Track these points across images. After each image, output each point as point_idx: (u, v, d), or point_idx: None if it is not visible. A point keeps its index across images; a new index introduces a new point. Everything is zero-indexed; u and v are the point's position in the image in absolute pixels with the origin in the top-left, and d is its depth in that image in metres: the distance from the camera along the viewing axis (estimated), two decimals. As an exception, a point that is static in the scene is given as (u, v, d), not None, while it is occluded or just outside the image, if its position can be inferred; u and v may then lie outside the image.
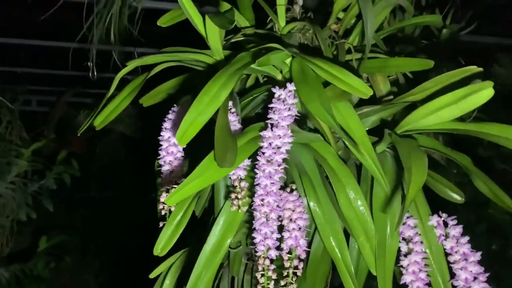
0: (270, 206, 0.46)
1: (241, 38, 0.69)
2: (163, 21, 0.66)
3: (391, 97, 0.66)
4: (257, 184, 0.46)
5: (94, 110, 0.60)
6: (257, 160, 0.47)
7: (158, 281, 0.70)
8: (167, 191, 0.52)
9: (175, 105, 0.58)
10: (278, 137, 0.47)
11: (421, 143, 0.52)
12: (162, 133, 0.54)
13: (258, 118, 0.62)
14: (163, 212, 0.52)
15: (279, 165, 0.47)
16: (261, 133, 0.48)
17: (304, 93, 0.50)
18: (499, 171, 1.42)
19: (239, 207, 0.47)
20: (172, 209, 0.51)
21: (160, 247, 0.51)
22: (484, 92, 0.42)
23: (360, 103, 0.64)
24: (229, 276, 0.74)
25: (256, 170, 0.47)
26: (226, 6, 0.66)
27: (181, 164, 0.53)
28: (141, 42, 1.11)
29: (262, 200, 0.46)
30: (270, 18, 0.74)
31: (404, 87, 0.67)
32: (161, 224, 0.51)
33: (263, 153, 0.47)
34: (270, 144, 0.47)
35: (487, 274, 0.47)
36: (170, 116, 0.55)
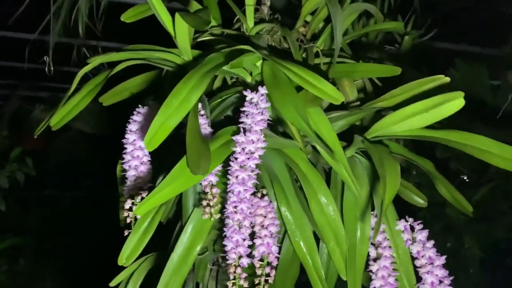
0: (244, 213, 0.44)
1: (208, 38, 0.67)
2: (127, 17, 0.62)
3: (358, 102, 0.67)
4: (230, 191, 0.45)
5: (53, 108, 0.56)
6: (229, 165, 0.46)
7: (119, 289, 0.67)
8: (132, 197, 0.49)
9: (139, 105, 0.56)
10: (252, 142, 0.46)
11: (390, 149, 0.53)
12: (126, 136, 0.51)
13: (228, 121, 0.61)
14: (128, 220, 0.49)
15: (252, 171, 0.45)
16: (234, 138, 0.47)
17: (277, 98, 0.49)
18: (454, 171, 1.50)
19: (211, 215, 0.46)
20: (138, 216, 0.49)
21: (125, 257, 0.48)
22: (455, 102, 0.43)
23: (327, 108, 0.64)
24: (194, 282, 0.72)
25: (229, 176, 0.45)
26: (195, 5, 0.63)
27: (148, 169, 0.50)
28: (103, 36, 1.06)
29: (235, 207, 0.44)
30: (237, 18, 0.73)
31: (370, 93, 0.68)
32: (126, 233, 0.48)
33: (236, 159, 0.46)
34: (243, 149, 0.46)
35: (451, 278, 0.49)
36: (136, 117, 0.53)
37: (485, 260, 1.59)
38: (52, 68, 0.98)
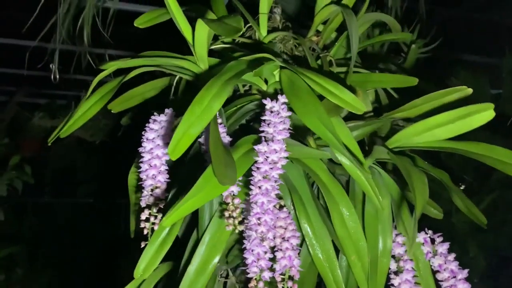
0: (268, 225, 0.43)
1: (220, 46, 0.66)
2: (140, 22, 0.61)
3: (372, 113, 0.66)
4: (253, 202, 0.43)
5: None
6: (251, 175, 0.45)
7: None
8: (149, 207, 0.48)
9: (155, 112, 0.54)
10: (275, 152, 0.45)
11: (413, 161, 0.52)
12: (143, 144, 0.50)
13: (243, 130, 0.60)
14: (145, 231, 0.47)
15: (275, 181, 0.44)
16: (256, 147, 0.46)
17: (299, 107, 0.48)
18: (457, 179, 1.50)
19: (235, 226, 0.44)
20: (155, 227, 0.47)
21: (142, 269, 0.46)
22: (485, 114, 0.43)
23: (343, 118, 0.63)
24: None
25: (252, 187, 0.44)
26: (211, 14, 0.63)
27: (165, 179, 0.49)
28: (110, 44, 1.05)
29: (259, 218, 0.43)
30: (248, 25, 0.72)
31: (384, 103, 0.67)
32: (143, 244, 0.47)
33: (259, 169, 0.45)
34: (266, 159, 0.45)
35: (475, 292, 0.48)
36: (152, 125, 0.51)
37: (489, 269, 1.59)
38: (57, 76, 0.96)
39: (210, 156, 0.41)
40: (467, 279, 0.49)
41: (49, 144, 0.52)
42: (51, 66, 0.97)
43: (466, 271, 0.49)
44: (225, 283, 0.72)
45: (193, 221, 0.60)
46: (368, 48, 1.00)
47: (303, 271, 0.57)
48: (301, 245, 0.56)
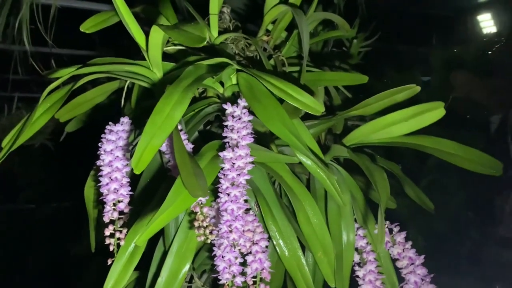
0: (239, 231, 0.43)
1: (171, 48, 0.65)
2: (87, 27, 0.58)
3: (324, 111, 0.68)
4: (223, 210, 0.43)
5: (15, 130, 0.50)
6: (218, 183, 0.45)
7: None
8: (113, 223, 0.46)
9: (110, 122, 0.52)
10: (240, 158, 0.45)
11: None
12: (101, 157, 0.47)
13: (203, 135, 0.59)
14: (111, 248, 0.45)
15: (243, 187, 0.44)
16: (221, 154, 0.46)
17: (260, 111, 0.49)
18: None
19: (206, 236, 0.44)
20: (121, 243, 0.45)
21: (110, 286, 0.44)
22: (436, 112, 0.46)
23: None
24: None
25: (220, 195, 0.44)
26: (163, 19, 0.61)
27: (127, 192, 0.47)
28: (54, 43, 0.98)
29: (230, 226, 0.43)
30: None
31: (335, 101, 0.70)
32: (109, 261, 0.45)
33: (226, 176, 0.45)
34: (232, 165, 0.45)
35: (431, 275, 0.51)
36: (109, 136, 0.49)
37: (428, 249, 1.70)
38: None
39: (175, 165, 0.40)
40: (423, 264, 0.52)
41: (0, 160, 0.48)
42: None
43: (422, 257, 0.52)
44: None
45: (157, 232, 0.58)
46: (312, 47, 1.03)
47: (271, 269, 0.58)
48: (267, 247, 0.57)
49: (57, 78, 0.51)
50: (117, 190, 0.46)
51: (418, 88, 0.51)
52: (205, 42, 0.46)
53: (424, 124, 0.47)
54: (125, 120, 0.52)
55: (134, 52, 0.64)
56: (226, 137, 0.47)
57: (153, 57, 0.53)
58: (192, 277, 0.69)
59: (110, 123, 0.52)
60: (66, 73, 0.51)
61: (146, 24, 0.59)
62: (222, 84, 0.60)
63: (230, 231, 0.43)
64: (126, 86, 0.63)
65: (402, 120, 0.48)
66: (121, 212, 0.46)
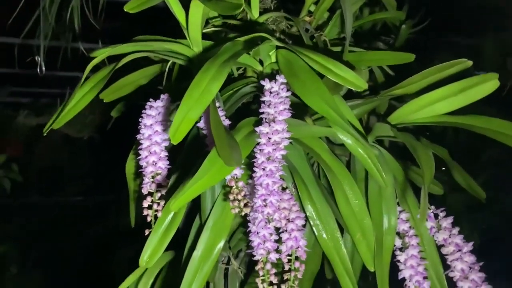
0: (273, 206, 0.43)
1: (211, 29, 0.65)
2: (131, 7, 0.59)
3: (368, 92, 0.66)
4: (258, 184, 0.43)
5: (61, 106, 0.53)
6: (254, 157, 0.44)
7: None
8: (151, 195, 0.47)
9: (151, 99, 0.53)
10: (277, 133, 0.44)
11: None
12: (141, 131, 0.48)
13: (241, 113, 0.59)
14: (148, 219, 0.46)
15: (279, 162, 0.44)
16: (257, 129, 0.45)
17: (299, 87, 0.48)
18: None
19: (240, 209, 0.44)
20: (159, 214, 0.46)
21: (147, 257, 0.45)
22: (490, 84, 0.43)
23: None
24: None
25: (255, 169, 0.43)
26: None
27: (166, 165, 0.48)
28: (98, 37, 1.02)
29: (265, 200, 0.42)
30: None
31: (380, 81, 0.67)
32: (147, 232, 0.46)
33: (262, 150, 0.44)
34: (268, 140, 0.44)
35: (481, 263, 0.48)
36: (149, 111, 0.50)
37: (483, 247, 1.61)
38: (43, 69, 0.93)
39: (211, 140, 0.40)
40: (472, 252, 0.49)
41: (45, 134, 0.50)
42: (36, 59, 0.94)
43: (471, 244, 0.49)
44: (226, 269, 0.71)
45: (194, 208, 0.59)
46: (356, 30, 1.00)
47: (308, 251, 0.57)
48: (304, 226, 0.56)
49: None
50: (156, 163, 0.47)
51: (470, 63, 0.48)
52: (241, 9, 0.45)
53: (475, 98, 0.44)
54: (165, 97, 0.53)
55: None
56: (263, 112, 0.47)
57: (193, 33, 0.53)
58: (229, 259, 0.69)
59: (150, 99, 0.53)
60: (106, 51, 0.52)
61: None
62: (261, 63, 0.59)
63: (265, 205, 0.43)
64: (168, 67, 0.64)
65: (450, 95, 0.45)
66: (159, 185, 0.47)
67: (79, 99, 0.56)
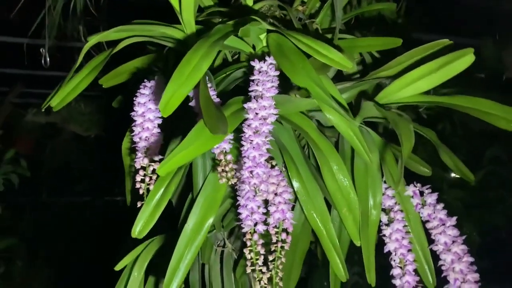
0: (260, 177, 0.44)
1: (206, 18, 0.67)
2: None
3: (358, 75, 0.67)
4: (245, 157, 0.45)
5: (57, 87, 0.55)
6: (243, 132, 0.46)
7: (123, 275, 0.66)
8: (144, 169, 0.49)
9: (145, 80, 0.55)
10: (264, 108, 0.46)
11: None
12: (135, 108, 0.51)
13: (232, 95, 0.60)
14: (140, 191, 0.48)
15: (266, 137, 0.45)
16: (246, 105, 0.47)
17: (287, 66, 0.49)
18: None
19: (228, 179, 0.45)
20: (151, 188, 0.48)
21: (138, 229, 0.47)
22: (466, 58, 0.44)
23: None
24: (199, 263, 0.72)
25: (243, 143, 0.45)
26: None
27: (158, 141, 0.50)
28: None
29: (251, 172, 0.44)
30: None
31: (370, 65, 0.68)
32: (139, 204, 0.48)
33: (249, 125, 0.46)
34: (256, 115, 0.46)
35: (464, 237, 0.49)
36: (143, 90, 0.52)
37: (484, 246, 1.61)
38: (48, 59, 0.96)
39: (200, 113, 0.42)
40: (455, 226, 0.50)
41: (43, 110, 0.52)
42: (41, 50, 0.97)
43: (454, 218, 0.50)
44: (222, 252, 0.73)
45: (187, 189, 0.61)
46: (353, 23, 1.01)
47: (298, 230, 0.59)
48: (294, 208, 0.58)
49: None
50: (148, 139, 0.49)
51: (451, 42, 0.50)
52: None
53: (454, 73, 0.45)
54: (160, 78, 0.55)
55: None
56: (252, 90, 0.49)
57: (186, 17, 0.55)
58: (225, 243, 0.71)
59: (145, 80, 0.55)
60: (104, 34, 0.54)
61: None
62: (254, 48, 0.61)
63: (252, 177, 0.44)
64: (164, 52, 0.66)
65: (430, 72, 0.46)
66: (151, 160, 0.49)
67: (78, 83, 0.58)
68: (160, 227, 0.64)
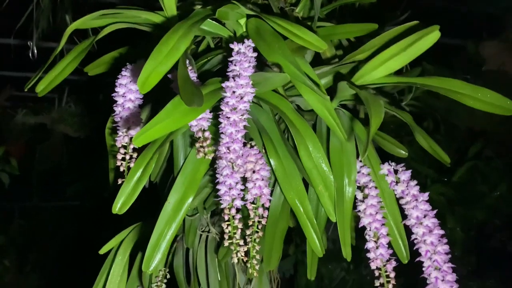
0: (237, 152, 0.46)
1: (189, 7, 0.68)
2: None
3: (336, 59, 0.69)
4: (222, 133, 0.46)
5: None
6: (221, 110, 0.47)
7: (108, 258, 0.67)
8: (125, 147, 0.50)
9: (127, 63, 0.56)
10: (241, 86, 0.48)
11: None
12: (116, 89, 0.52)
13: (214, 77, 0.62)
14: (121, 169, 0.49)
15: (242, 114, 0.47)
16: (223, 84, 0.48)
17: (264, 48, 0.51)
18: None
19: (205, 154, 0.47)
20: (131, 165, 0.49)
21: (119, 205, 0.48)
22: (431, 36, 0.46)
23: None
24: (184, 248, 0.73)
25: (221, 119, 0.47)
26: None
27: (139, 120, 0.51)
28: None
29: (228, 147, 0.46)
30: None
31: (347, 49, 0.70)
32: (119, 181, 0.49)
33: (227, 103, 0.47)
34: (233, 93, 0.47)
35: (435, 211, 0.51)
36: (124, 73, 0.53)
37: (468, 241, 1.64)
38: (35, 52, 0.97)
39: (178, 90, 0.43)
40: (427, 201, 0.52)
41: (25, 90, 0.53)
42: (29, 43, 0.98)
43: (426, 194, 0.52)
44: (206, 237, 0.74)
45: (169, 171, 0.62)
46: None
47: (277, 211, 0.60)
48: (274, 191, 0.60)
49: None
50: (129, 119, 0.50)
51: (417, 22, 0.52)
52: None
53: (421, 51, 0.47)
54: (142, 61, 0.56)
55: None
56: (230, 71, 0.50)
57: (168, 3, 0.57)
58: (207, 225, 0.72)
59: (127, 63, 0.56)
60: (86, 19, 0.55)
61: None
62: (235, 34, 0.63)
63: (229, 152, 0.46)
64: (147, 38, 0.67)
65: (399, 51, 0.48)
66: (131, 138, 0.50)
67: (63, 69, 0.60)
68: (145, 214, 0.66)
